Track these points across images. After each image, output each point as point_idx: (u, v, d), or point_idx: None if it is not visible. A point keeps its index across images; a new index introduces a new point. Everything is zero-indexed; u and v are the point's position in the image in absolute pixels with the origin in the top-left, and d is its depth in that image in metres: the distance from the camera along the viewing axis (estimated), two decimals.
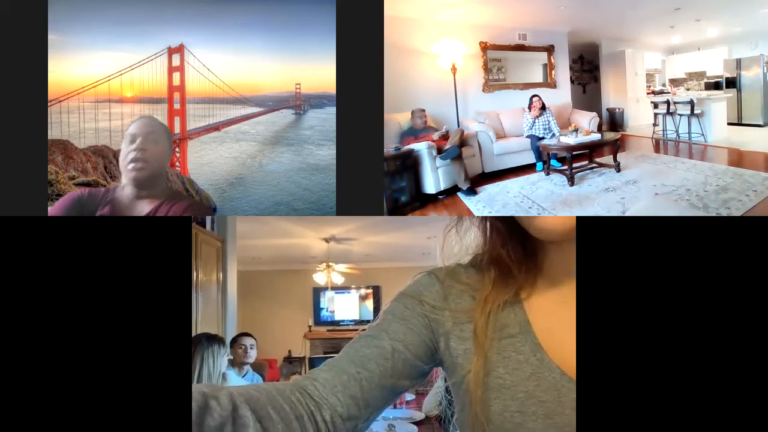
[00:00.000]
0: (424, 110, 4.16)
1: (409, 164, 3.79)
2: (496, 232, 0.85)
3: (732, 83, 5.37)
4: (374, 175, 2.55)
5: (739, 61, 5.33)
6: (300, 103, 4.37)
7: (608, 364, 0.96)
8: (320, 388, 0.74)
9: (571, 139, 4.04)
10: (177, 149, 3.82)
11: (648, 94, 5.76)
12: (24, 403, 1.01)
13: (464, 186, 3.92)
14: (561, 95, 5.22)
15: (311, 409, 0.72)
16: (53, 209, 1.47)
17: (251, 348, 3.50)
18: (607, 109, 5.96)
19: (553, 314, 0.80)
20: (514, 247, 0.83)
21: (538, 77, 5.21)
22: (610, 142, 4.27)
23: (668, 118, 5.28)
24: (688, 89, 5.65)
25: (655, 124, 5.41)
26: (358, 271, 7.02)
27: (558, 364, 0.75)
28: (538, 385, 0.75)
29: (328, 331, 7.63)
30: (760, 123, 5.11)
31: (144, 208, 1.44)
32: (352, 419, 0.74)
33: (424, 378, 0.83)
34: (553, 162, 4.24)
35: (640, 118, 5.75)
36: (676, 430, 0.95)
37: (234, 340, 3.57)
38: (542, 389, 0.74)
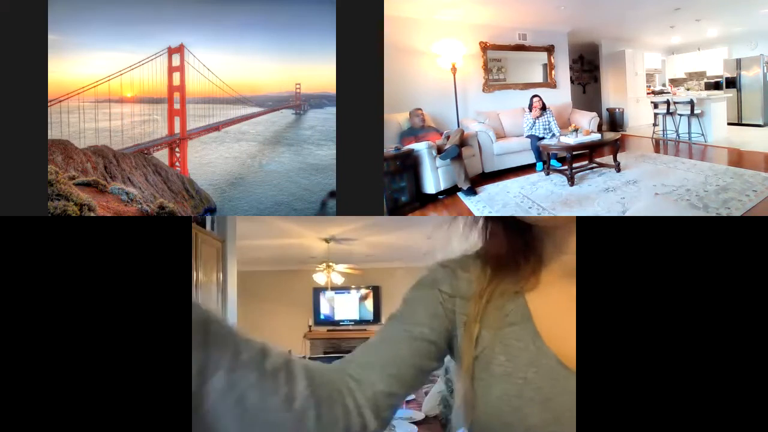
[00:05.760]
0: (421, 109, 4.16)
1: (409, 164, 3.79)
2: (493, 228, 0.89)
3: (732, 83, 5.36)
4: (374, 175, 2.55)
5: (739, 61, 5.33)
6: (300, 103, 4.38)
7: (607, 360, 0.96)
8: (359, 368, 0.80)
9: (571, 139, 4.05)
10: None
11: (648, 94, 5.75)
12: (24, 402, 1.01)
13: (464, 186, 3.92)
14: (561, 95, 5.22)
15: (351, 387, 0.77)
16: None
17: None
18: (607, 109, 5.95)
19: (553, 305, 0.84)
20: (512, 241, 0.87)
21: (538, 77, 5.21)
22: (610, 142, 4.27)
23: (668, 118, 5.28)
24: (688, 89, 5.64)
25: (655, 124, 5.41)
26: (358, 271, 7.02)
27: (556, 353, 0.79)
28: (537, 373, 0.79)
29: (328, 331, 7.64)
30: (760, 123, 5.11)
31: None
32: (392, 396, 0.80)
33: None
34: (553, 162, 4.24)
35: (640, 118, 5.75)
36: (673, 425, 0.95)
37: None
38: (540, 376, 0.78)
